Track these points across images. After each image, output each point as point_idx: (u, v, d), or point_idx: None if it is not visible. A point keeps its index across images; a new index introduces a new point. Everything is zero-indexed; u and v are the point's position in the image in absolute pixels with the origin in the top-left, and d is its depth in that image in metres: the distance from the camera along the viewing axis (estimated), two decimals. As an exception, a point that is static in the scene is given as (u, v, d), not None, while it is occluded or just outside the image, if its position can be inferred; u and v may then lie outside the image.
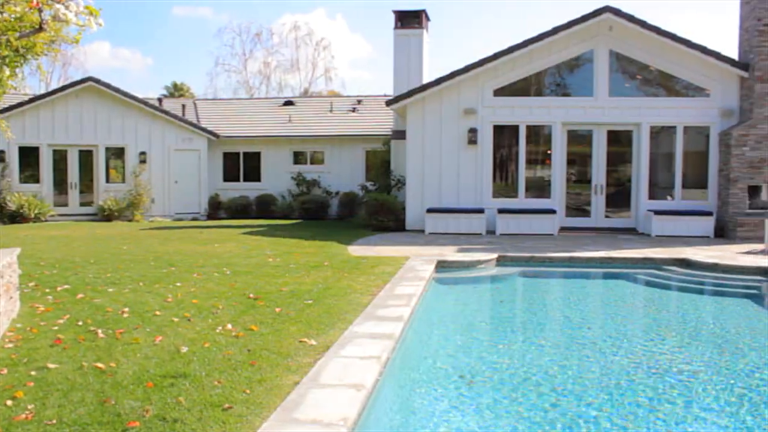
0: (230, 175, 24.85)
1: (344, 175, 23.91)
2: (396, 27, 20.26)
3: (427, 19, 20.78)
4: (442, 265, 11.43)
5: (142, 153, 23.20)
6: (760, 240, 14.53)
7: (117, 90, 22.84)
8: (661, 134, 17.61)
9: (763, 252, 13.37)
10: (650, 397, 5.44)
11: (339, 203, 23.28)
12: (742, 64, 16.76)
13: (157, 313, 7.24)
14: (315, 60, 54.32)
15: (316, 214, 22.64)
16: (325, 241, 14.72)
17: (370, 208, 17.95)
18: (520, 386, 5.67)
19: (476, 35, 70.01)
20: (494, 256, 12.28)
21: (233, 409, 4.41)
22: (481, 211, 16.84)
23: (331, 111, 26.67)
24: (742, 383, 5.88)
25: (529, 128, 17.54)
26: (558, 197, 17.53)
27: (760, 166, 16.29)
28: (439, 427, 4.81)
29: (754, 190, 16.46)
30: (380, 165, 21.46)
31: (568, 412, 5.06)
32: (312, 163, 24.60)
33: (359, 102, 27.52)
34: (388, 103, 18.03)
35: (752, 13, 16.47)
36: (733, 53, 17.40)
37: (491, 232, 16.82)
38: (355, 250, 13.26)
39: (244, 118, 26.46)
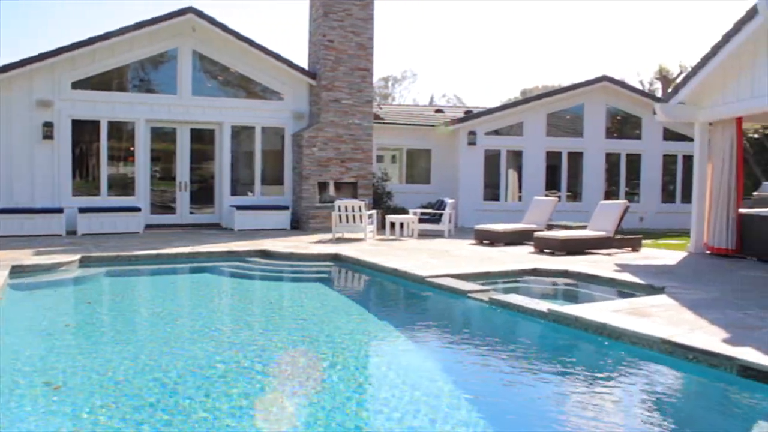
0: None
1: None
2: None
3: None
4: (17, 270, 10.52)
5: None
6: (329, 230, 16.34)
7: None
8: (242, 133, 18.60)
9: (330, 241, 15.08)
10: (239, 376, 5.86)
11: None
12: (311, 73, 18.59)
13: None
14: None
15: None
16: None
17: (-77, 208, 15.61)
18: (110, 385, 5.62)
19: (66, 24, 65.25)
20: (77, 257, 11.72)
21: None
22: (60, 210, 15.86)
23: None
24: (317, 349, 6.71)
25: (111, 124, 17.06)
26: (143, 195, 17.38)
27: (327, 164, 18.29)
28: (26, 437, 4.56)
29: (323, 186, 18.44)
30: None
31: (160, 404, 5.19)
32: None
33: None
34: (-56, 89, 15.87)
35: (318, 29, 18.37)
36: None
37: (72, 232, 15.96)
38: None
39: None
